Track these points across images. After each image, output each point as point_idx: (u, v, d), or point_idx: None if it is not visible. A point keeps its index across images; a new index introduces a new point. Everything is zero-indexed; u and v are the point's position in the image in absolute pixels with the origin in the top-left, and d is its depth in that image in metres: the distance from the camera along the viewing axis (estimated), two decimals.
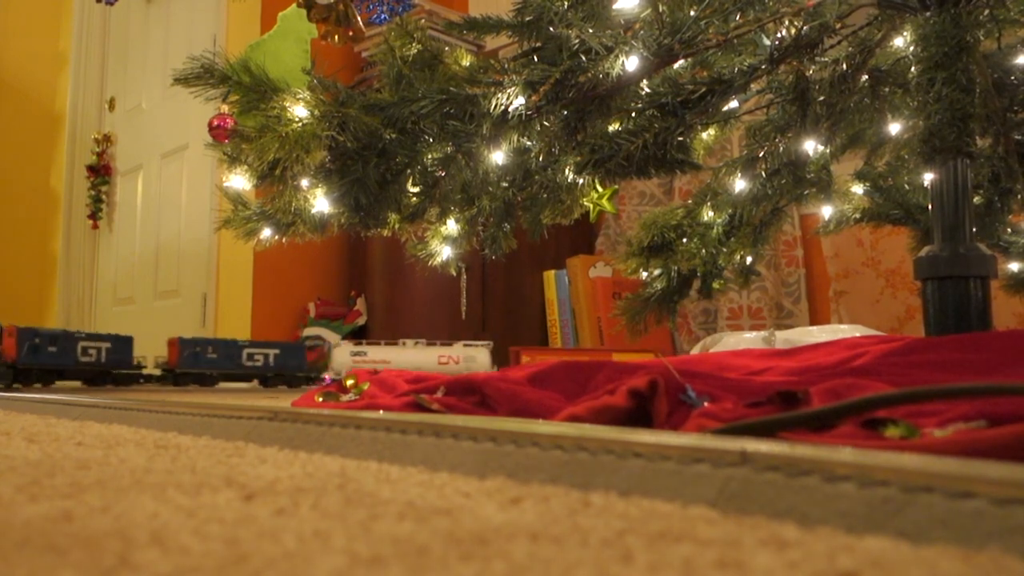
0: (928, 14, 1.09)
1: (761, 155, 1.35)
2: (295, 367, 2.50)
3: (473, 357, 2.53)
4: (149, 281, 3.72)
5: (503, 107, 1.14)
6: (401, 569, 0.31)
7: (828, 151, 1.41)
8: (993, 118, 1.25)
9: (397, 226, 1.43)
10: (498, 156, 1.28)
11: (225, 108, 1.45)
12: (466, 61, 1.29)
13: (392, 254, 2.88)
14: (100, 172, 4.02)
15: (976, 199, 1.43)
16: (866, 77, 1.29)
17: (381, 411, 0.97)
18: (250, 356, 2.45)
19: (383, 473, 0.66)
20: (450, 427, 0.78)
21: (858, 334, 1.47)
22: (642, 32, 1.14)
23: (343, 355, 2.46)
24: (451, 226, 1.53)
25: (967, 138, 1.07)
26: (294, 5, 2.07)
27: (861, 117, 1.39)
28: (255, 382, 2.53)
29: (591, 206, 1.50)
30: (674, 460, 0.56)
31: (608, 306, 2.77)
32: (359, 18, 2.44)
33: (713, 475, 0.53)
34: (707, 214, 1.51)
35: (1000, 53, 1.25)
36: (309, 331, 3.01)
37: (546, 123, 1.22)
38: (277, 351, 2.49)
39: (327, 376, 1.57)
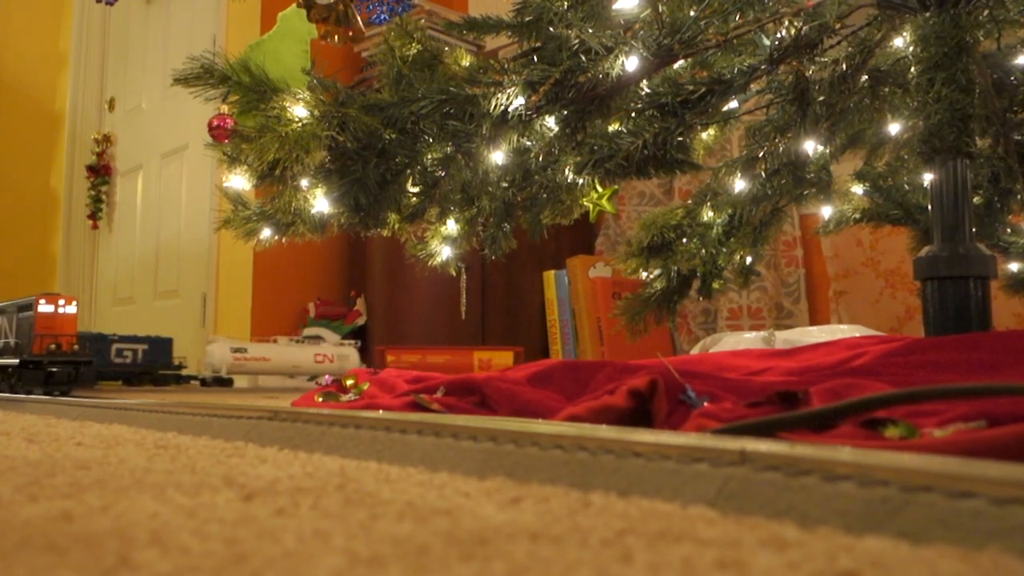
0: (928, 14, 1.09)
1: (761, 155, 1.35)
2: (163, 364, 2.38)
3: (346, 356, 2.53)
4: (149, 281, 3.72)
5: (503, 107, 1.14)
6: (401, 569, 0.31)
7: (828, 151, 1.41)
8: (993, 118, 1.25)
9: (397, 226, 1.43)
10: (498, 156, 1.28)
11: (225, 108, 1.45)
12: (466, 61, 1.29)
13: (392, 254, 2.88)
14: (100, 172, 4.02)
15: (976, 199, 1.43)
16: (866, 77, 1.29)
17: (381, 411, 0.97)
18: (119, 352, 2.31)
19: (383, 473, 0.66)
20: (450, 427, 0.78)
21: (858, 334, 1.47)
22: (642, 32, 1.14)
23: (223, 351, 2.41)
24: (451, 226, 1.53)
25: (967, 138, 1.07)
26: (294, 5, 2.07)
27: (861, 117, 1.39)
28: (119, 382, 2.36)
29: (591, 206, 1.50)
30: (674, 460, 0.56)
31: (608, 306, 2.77)
32: (359, 18, 2.44)
33: (712, 475, 0.53)
34: (707, 214, 1.51)
35: (999, 53, 1.25)
36: (309, 331, 3.01)
37: (546, 123, 1.22)
38: (145, 346, 2.35)
39: (327, 376, 1.56)
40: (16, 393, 1.65)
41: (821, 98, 1.22)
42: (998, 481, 0.41)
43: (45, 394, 1.59)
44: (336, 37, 2.48)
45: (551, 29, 1.16)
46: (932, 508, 0.41)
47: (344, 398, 1.15)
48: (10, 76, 4.09)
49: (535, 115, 1.17)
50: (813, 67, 1.21)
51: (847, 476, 0.46)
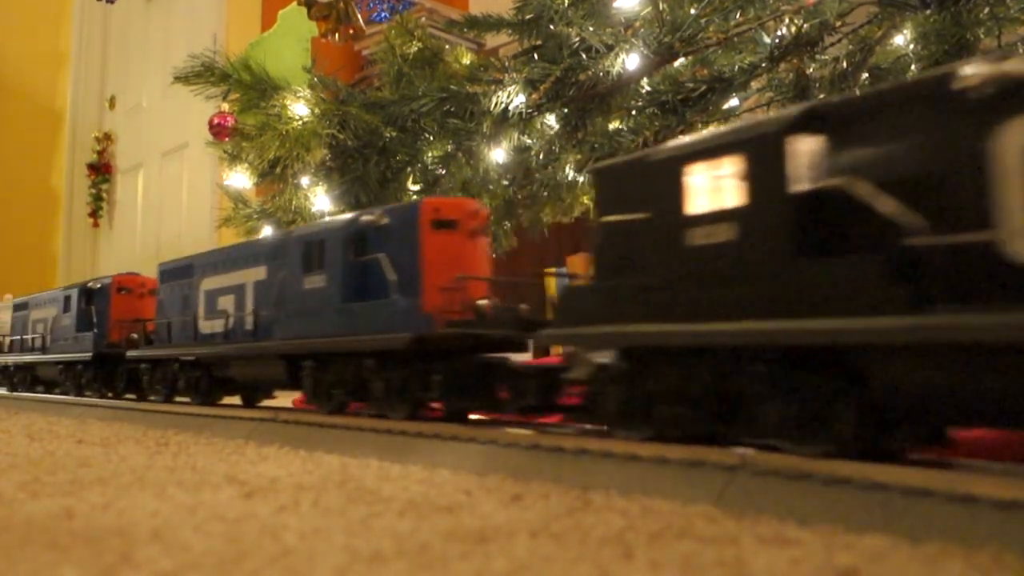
0: (928, 12, 1.09)
1: None
2: None
3: None
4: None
5: (503, 105, 1.14)
6: (402, 566, 0.31)
7: None
8: None
9: None
10: (498, 154, 1.28)
11: (226, 106, 1.45)
12: (466, 59, 1.29)
13: None
14: (101, 170, 4.02)
15: None
16: (866, 75, 1.29)
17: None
18: None
19: (384, 471, 0.66)
20: (450, 430, 0.78)
21: None
22: (642, 30, 1.14)
23: None
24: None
25: None
26: (294, 3, 2.06)
27: None
28: None
29: (592, 204, 1.50)
30: (674, 463, 0.56)
31: None
32: (359, 16, 2.42)
33: (713, 478, 0.53)
34: None
35: (1000, 51, 1.24)
36: None
37: (546, 121, 1.22)
38: None
39: None
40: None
41: (822, 96, 1.22)
42: (998, 484, 0.41)
43: None
44: (336, 35, 2.47)
45: (551, 27, 1.16)
46: (932, 511, 0.41)
47: None
48: (10, 75, 4.09)
49: (536, 113, 1.17)
50: (814, 65, 1.21)
51: (847, 479, 0.46)
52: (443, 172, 1.34)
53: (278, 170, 1.26)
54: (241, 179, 1.45)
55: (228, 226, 1.56)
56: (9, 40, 4.10)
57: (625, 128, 1.19)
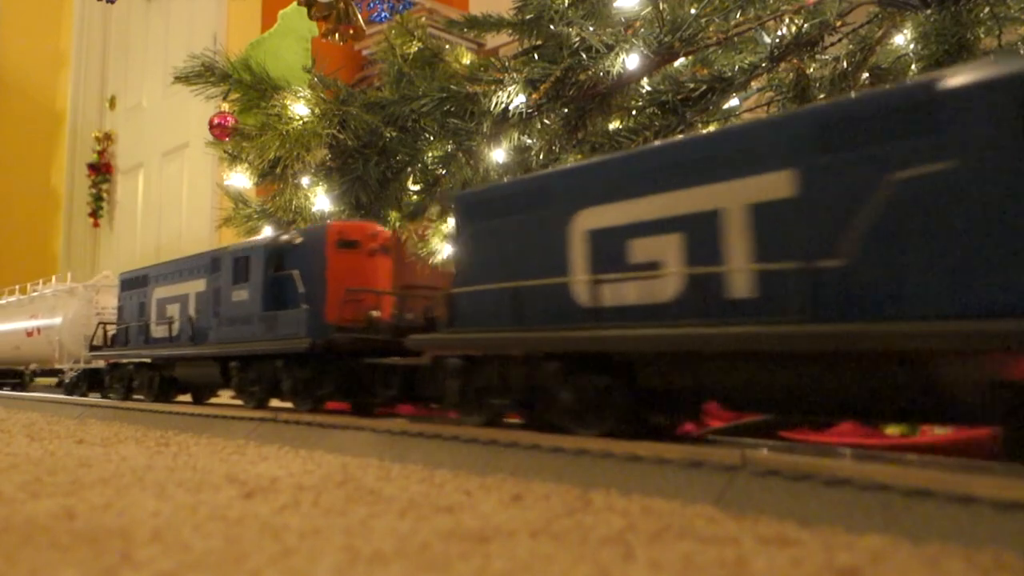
0: (929, 12, 1.09)
1: None
2: None
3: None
4: None
5: (503, 105, 1.14)
6: (402, 566, 0.31)
7: None
8: None
9: (398, 224, 1.43)
10: (499, 154, 1.28)
11: (226, 106, 1.45)
12: (466, 59, 1.29)
13: None
14: (101, 170, 4.03)
15: None
16: (866, 75, 1.29)
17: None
18: None
19: (384, 471, 0.66)
20: (450, 430, 0.78)
21: None
22: (643, 30, 1.14)
23: None
24: (452, 224, 1.53)
25: None
26: (295, 3, 2.06)
27: None
28: None
29: None
30: (674, 463, 0.56)
31: None
32: (360, 16, 2.42)
33: (713, 478, 0.53)
34: None
35: (1000, 51, 1.24)
36: None
37: (547, 121, 1.22)
38: None
39: None
40: None
41: (822, 96, 1.22)
42: (999, 484, 0.41)
43: None
44: (337, 35, 2.47)
45: (552, 27, 1.16)
46: (933, 512, 0.41)
47: None
48: (11, 75, 4.09)
49: (536, 113, 1.17)
50: (814, 65, 1.21)
51: (847, 480, 0.46)
52: (444, 172, 1.34)
53: (278, 170, 1.26)
54: (241, 179, 1.45)
55: (228, 226, 1.56)
56: (9, 40, 4.10)
57: (625, 128, 1.19)
